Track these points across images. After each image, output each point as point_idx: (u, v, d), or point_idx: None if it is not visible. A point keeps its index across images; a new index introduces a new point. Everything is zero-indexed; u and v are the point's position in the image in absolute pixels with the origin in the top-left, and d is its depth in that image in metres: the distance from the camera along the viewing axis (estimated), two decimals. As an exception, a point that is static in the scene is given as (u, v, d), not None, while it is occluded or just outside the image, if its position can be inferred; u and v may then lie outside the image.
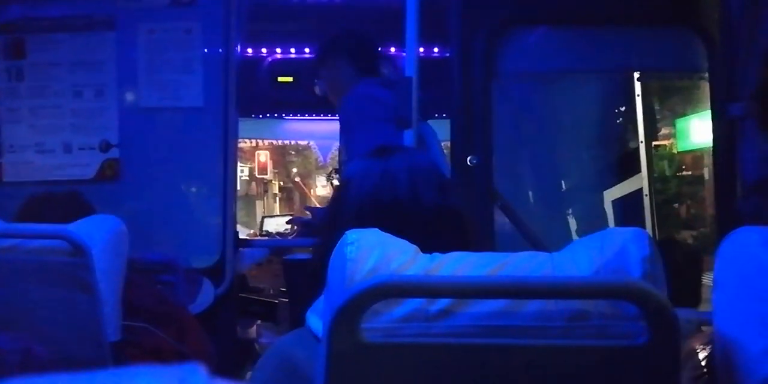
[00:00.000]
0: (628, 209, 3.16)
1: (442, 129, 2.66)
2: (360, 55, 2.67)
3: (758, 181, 1.74)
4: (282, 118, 4.13)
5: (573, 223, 2.93)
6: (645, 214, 3.25)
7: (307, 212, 3.53)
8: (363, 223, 0.95)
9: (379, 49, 2.86)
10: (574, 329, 0.84)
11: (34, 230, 1.65)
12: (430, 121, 2.71)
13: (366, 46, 2.72)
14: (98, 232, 1.63)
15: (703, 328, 1.59)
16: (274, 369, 1.08)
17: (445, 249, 0.93)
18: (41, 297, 1.62)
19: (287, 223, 3.92)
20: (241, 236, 3.84)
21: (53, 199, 2.01)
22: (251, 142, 8.00)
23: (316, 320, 1.03)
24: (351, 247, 0.88)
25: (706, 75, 2.50)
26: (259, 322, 3.19)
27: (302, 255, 3.27)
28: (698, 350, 1.15)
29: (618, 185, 3.16)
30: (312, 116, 4.03)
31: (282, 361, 1.08)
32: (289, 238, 4.15)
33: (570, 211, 2.94)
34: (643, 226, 3.04)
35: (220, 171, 2.65)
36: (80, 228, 1.61)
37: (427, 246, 0.92)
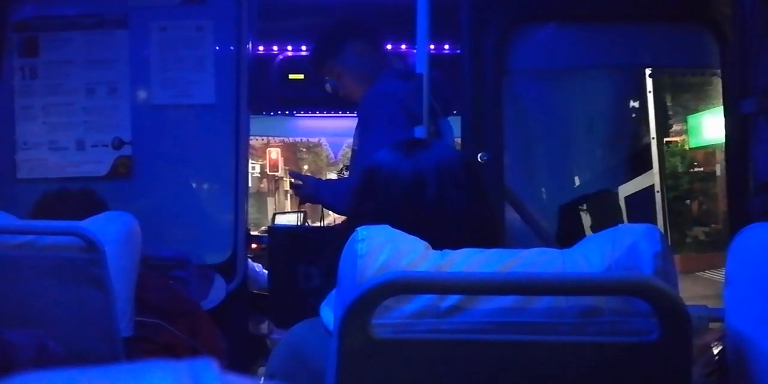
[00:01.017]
0: (640, 206, 3.14)
1: (452, 125, 2.65)
2: (374, 34, 2.61)
3: (771, 178, 1.74)
4: (293, 115, 4.12)
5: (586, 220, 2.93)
6: (657, 210, 3.24)
7: (289, 174, 3.58)
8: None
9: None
10: (585, 326, 0.84)
11: (48, 227, 1.66)
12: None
13: (373, 25, 2.64)
14: (111, 229, 1.64)
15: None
16: (286, 360, 1.09)
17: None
18: (54, 293, 1.63)
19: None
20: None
21: (67, 196, 2.02)
22: (262, 140, 8.00)
23: (328, 313, 1.03)
24: (362, 244, 0.88)
25: (718, 71, 2.48)
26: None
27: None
28: (711, 346, 1.15)
29: (630, 182, 3.14)
30: (323, 113, 4.02)
31: (294, 353, 1.08)
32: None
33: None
34: (655, 223, 3.03)
35: (231, 168, 2.66)
36: (93, 225, 1.62)
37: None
